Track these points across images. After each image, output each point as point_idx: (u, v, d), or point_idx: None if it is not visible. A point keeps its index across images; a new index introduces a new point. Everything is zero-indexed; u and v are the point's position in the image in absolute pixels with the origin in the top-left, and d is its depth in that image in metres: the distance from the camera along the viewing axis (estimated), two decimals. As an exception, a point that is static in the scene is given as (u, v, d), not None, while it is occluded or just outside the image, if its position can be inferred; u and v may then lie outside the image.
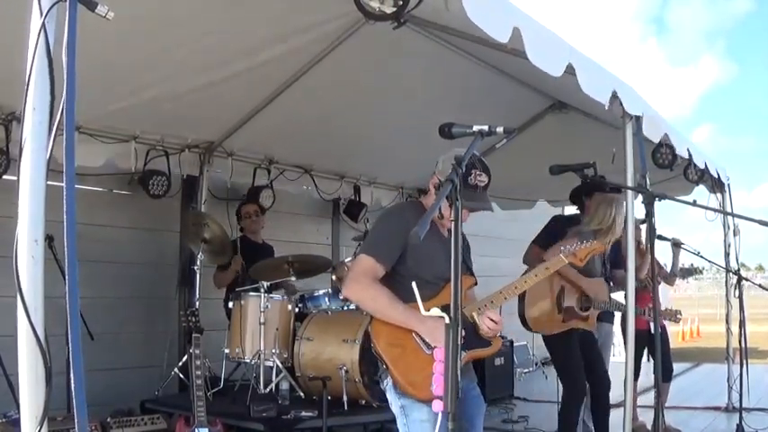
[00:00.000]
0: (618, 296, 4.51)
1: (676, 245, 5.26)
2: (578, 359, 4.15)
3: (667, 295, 11.94)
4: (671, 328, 13.65)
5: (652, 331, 4.05)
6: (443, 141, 2.12)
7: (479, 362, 6.32)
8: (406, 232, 2.49)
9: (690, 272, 5.61)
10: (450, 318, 1.76)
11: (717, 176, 5.99)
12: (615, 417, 4.37)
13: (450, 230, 2.65)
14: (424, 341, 2.46)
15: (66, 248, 1.53)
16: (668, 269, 5.53)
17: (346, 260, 5.28)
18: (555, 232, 4.28)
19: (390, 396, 2.54)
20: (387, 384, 2.54)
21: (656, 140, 4.44)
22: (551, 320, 4.16)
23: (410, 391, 2.44)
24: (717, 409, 6.22)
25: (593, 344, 4.33)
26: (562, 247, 2.85)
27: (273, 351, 4.70)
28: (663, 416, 3.28)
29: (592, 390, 4.37)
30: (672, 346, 12.73)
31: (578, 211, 4.74)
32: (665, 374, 5.02)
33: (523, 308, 4.14)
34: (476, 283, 2.75)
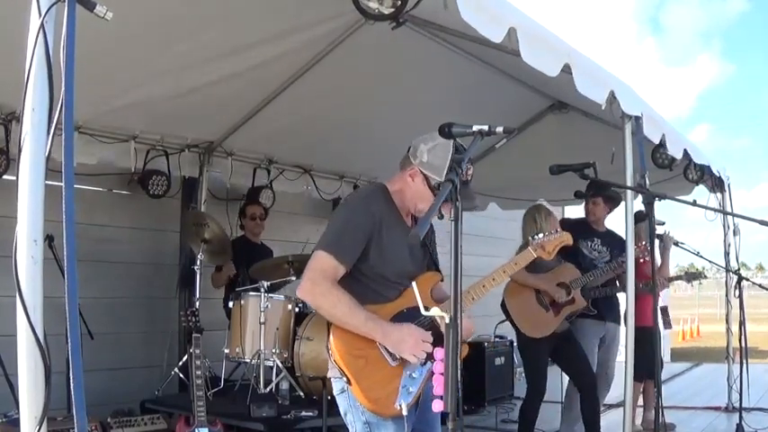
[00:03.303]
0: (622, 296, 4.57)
1: (664, 238, 5.24)
2: (544, 364, 4.45)
3: (666, 294, 11.91)
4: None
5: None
6: (443, 141, 2.11)
7: (480, 362, 6.36)
8: (371, 225, 2.30)
9: (695, 276, 5.55)
10: (450, 317, 1.73)
11: (716, 176, 5.99)
12: (615, 416, 4.37)
13: (414, 218, 2.49)
14: (388, 351, 2.26)
15: (65, 248, 1.53)
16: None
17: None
18: None
19: (347, 407, 2.33)
20: (342, 391, 2.34)
21: (656, 141, 4.44)
22: (546, 321, 4.30)
23: (373, 409, 2.24)
24: (717, 408, 6.22)
25: (569, 341, 4.37)
26: (530, 238, 2.73)
27: (273, 351, 4.70)
28: (663, 416, 3.27)
29: (577, 386, 4.40)
30: (672, 346, 12.73)
31: (584, 214, 4.85)
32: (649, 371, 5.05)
33: (516, 324, 4.30)
34: (442, 280, 2.49)
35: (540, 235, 2.69)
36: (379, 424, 2.27)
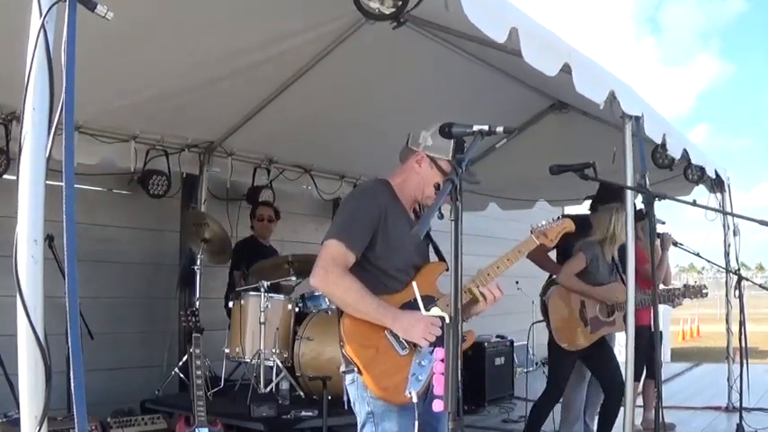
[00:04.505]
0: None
1: (663, 239, 5.20)
2: (568, 369, 4.39)
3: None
4: (671, 328, 13.57)
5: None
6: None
7: (480, 362, 6.36)
8: (378, 214, 2.36)
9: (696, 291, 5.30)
10: (450, 317, 1.73)
11: (716, 176, 5.99)
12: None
13: (415, 211, 2.56)
14: (398, 340, 2.31)
15: (65, 248, 1.53)
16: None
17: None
18: None
19: (355, 396, 2.38)
20: (352, 382, 2.38)
21: (657, 140, 4.44)
22: (581, 336, 4.28)
23: (383, 396, 2.29)
24: (717, 408, 6.21)
25: (603, 347, 4.35)
26: (532, 226, 2.71)
27: (273, 351, 4.70)
28: (663, 416, 3.27)
29: (604, 388, 4.38)
30: (672, 345, 12.70)
31: (588, 212, 4.83)
32: (648, 371, 5.04)
33: (551, 330, 4.27)
34: (447, 269, 2.48)
35: (543, 222, 2.70)
36: (384, 414, 2.31)
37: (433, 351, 2.29)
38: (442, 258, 2.59)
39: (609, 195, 4.65)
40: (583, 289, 4.27)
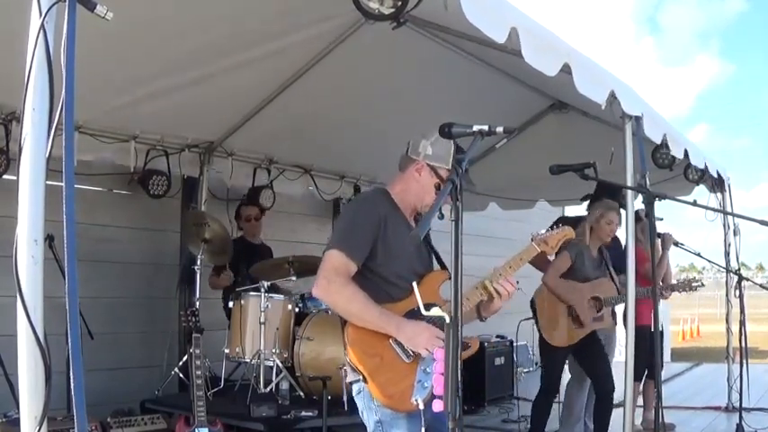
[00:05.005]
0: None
1: (663, 238, 5.20)
2: (560, 367, 4.49)
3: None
4: (671, 328, 13.56)
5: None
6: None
7: (480, 362, 6.36)
8: (377, 222, 2.36)
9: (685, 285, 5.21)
10: (450, 317, 1.74)
11: (717, 176, 5.99)
12: (615, 416, 4.37)
13: (416, 218, 2.55)
14: (402, 348, 2.31)
15: (65, 248, 1.53)
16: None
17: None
18: None
19: (363, 405, 2.38)
20: (359, 392, 2.38)
21: (657, 141, 4.44)
22: (569, 332, 4.32)
23: (389, 404, 2.29)
24: (717, 408, 6.22)
25: (594, 343, 4.36)
26: (533, 234, 2.72)
27: (273, 351, 4.70)
28: (662, 416, 3.27)
29: (595, 388, 4.40)
30: (672, 345, 12.70)
31: (586, 212, 4.85)
32: (649, 371, 5.04)
33: (541, 330, 4.30)
34: (449, 278, 2.44)
35: (543, 230, 2.72)
36: (392, 422, 2.31)
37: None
38: (443, 267, 2.58)
39: (603, 195, 4.68)
40: (561, 293, 4.30)
